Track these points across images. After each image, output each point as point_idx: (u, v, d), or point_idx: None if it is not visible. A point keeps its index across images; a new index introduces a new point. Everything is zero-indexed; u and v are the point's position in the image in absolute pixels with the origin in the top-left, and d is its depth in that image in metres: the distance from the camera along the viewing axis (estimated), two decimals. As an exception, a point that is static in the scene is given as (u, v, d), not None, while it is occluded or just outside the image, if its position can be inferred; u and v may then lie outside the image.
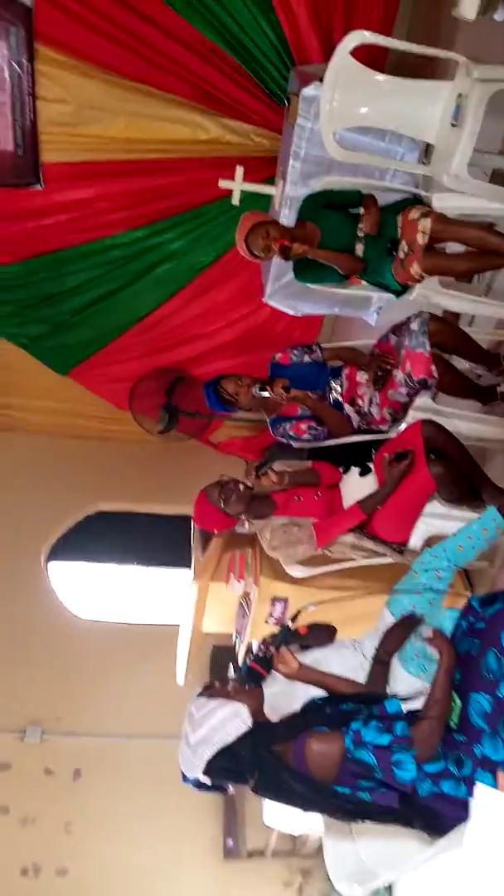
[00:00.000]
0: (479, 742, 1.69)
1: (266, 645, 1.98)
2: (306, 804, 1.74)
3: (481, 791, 1.52)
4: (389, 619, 2.44)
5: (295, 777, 1.67)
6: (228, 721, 1.73)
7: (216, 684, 2.21)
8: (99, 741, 4.39)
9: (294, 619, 2.27)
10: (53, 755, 4.32)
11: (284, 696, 2.24)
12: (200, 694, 1.86)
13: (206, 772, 1.73)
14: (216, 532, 3.33)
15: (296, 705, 2.11)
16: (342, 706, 1.85)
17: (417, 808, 1.67)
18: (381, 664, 2.25)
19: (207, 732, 1.72)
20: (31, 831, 4.08)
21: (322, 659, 2.36)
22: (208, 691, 2.15)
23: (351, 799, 1.65)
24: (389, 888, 1.86)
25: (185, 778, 1.80)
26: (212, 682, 2.25)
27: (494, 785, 1.60)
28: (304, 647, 2.47)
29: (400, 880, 1.75)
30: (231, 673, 3.42)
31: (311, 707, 1.88)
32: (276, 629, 2.36)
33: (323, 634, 2.47)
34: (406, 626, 2.22)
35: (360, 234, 2.86)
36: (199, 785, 1.79)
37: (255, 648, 2.56)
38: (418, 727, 1.68)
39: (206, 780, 1.76)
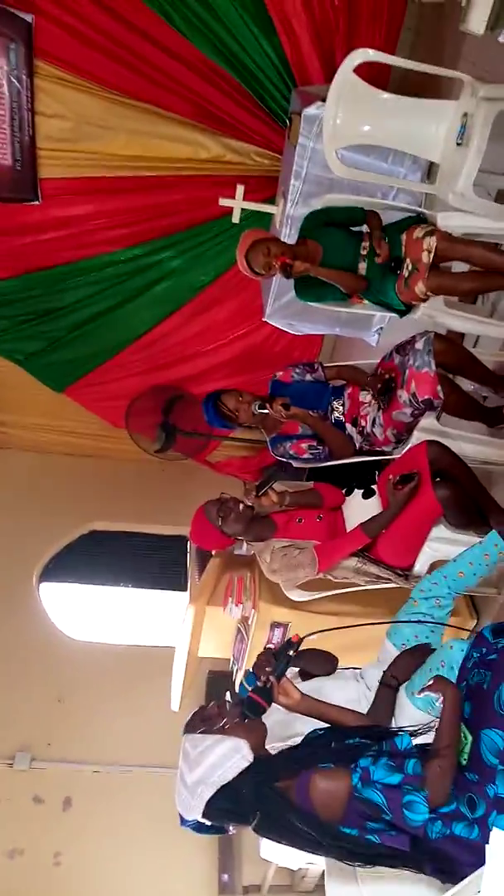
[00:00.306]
0: (493, 781, 1.60)
1: (266, 675, 1.86)
2: (310, 846, 1.64)
3: (497, 836, 1.43)
4: (391, 650, 2.37)
5: (299, 816, 1.58)
6: (228, 758, 1.63)
7: (213, 708, 2.13)
8: (90, 769, 4.26)
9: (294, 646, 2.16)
10: (43, 783, 4.18)
11: (280, 727, 2.16)
12: (195, 730, 1.76)
13: (206, 813, 1.63)
14: (213, 551, 3.25)
15: (293, 735, 2.03)
16: (348, 740, 1.77)
17: (428, 852, 1.58)
18: (388, 688, 2.18)
19: (206, 771, 1.62)
20: (19, 863, 3.94)
21: (322, 689, 2.28)
22: (204, 723, 2.08)
23: (358, 841, 1.57)
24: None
25: (183, 821, 1.70)
26: (206, 708, 2.17)
27: (506, 827, 1.52)
28: (304, 676, 2.39)
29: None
30: (228, 698, 3.31)
31: (314, 739, 1.80)
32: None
33: (324, 662, 2.39)
34: (418, 654, 2.14)
35: (363, 252, 2.83)
36: (199, 827, 1.69)
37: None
38: (431, 766, 1.59)
39: (206, 822, 1.66)
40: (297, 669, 2.37)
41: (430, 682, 1.73)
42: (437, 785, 1.58)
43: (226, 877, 3.97)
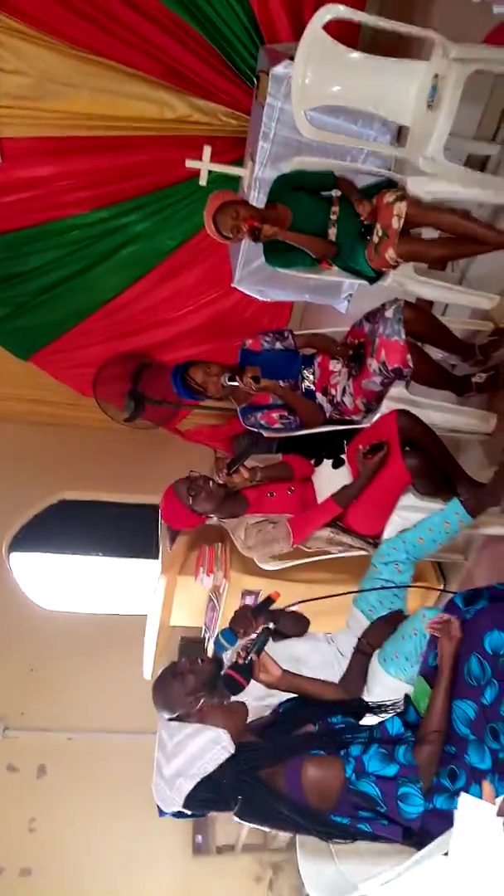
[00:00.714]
0: (465, 751, 1.62)
1: (245, 650, 1.81)
2: (296, 830, 1.62)
3: (465, 801, 1.46)
4: (359, 616, 2.40)
5: (287, 805, 1.53)
6: (207, 749, 1.56)
7: (184, 664, 2.13)
8: (64, 736, 4.29)
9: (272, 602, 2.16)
10: (17, 751, 4.20)
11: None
12: (171, 718, 1.71)
13: (186, 804, 1.58)
14: (182, 529, 3.23)
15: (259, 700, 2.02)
16: (331, 719, 1.74)
17: (416, 834, 1.57)
18: (362, 654, 2.20)
19: (184, 763, 1.56)
20: (-7, 831, 3.99)
21: (296, 650, 2.31)
22: (175, 678, 2.06)
23: (349, 829, 1.54)
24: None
25: (161, 812, 1.65)
26: (178, 664, 2.18)
27: (479, 795, 1.54)
28: (277, 637, 2.42)
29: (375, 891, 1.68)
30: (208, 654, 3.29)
31: (291, 714, 1.78)
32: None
33: (295, 622, 2.42)
34: (391, 621, 2.15)
35: (333, 217, 2.78)
36: (178, 815, 1.65)
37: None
38: (421, 752, 1.56)
39: (186, 811, 1.62)
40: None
41: (438, 622, 1.69)
42: (427, 772, 1.57)
43: (199, 838, 4.06)
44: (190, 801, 1.58)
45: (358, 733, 1.63)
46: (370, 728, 1.66)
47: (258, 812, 1.60)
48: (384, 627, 2.22)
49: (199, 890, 3.98)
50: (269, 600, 2.10)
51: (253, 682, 1.84)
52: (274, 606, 2.13)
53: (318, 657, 2.32)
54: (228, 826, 3.96)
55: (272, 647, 2.31)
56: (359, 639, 2.26)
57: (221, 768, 1.56)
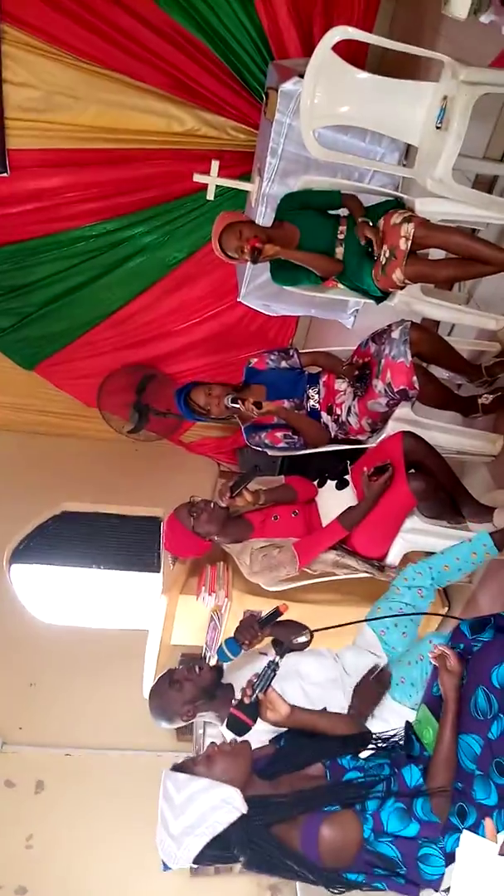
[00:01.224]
0: (471, 787, 1.58)
1: (251, 687, 1.70)
2: (305, 881, 1.55)
3: (467, 838, 1.43)
4: (370, 635, 2.38)
5: (300, 862, 1.47)
6: (218, 808, 1.48)
7: (182, 671, 2.12)
8: (62, 752, 4.24)
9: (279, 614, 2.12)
10: (14, 766, 4.16)
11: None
12: (177, 768, 1.61)
13: (194, 862, 1.52)
14: (188, 558, 3.19)
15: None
16: (341, 761, 1.66)
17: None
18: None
19: (193, 822, 1.48)
20: (-10, 847, 3.95)
21: (300, 667, 2.28)
22: (172, 687, 2.06)
23: (363, 886, 1.49)
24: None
25: (165, 867, 1.55)
26: (175, 671, 2.15)
27: (482, 831, 1.51)
28: (281, 653, 2.38)
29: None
30: (207, 660, 3.25)
31: (295, 752, 1.70)
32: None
33: (300, 635, 2.38)
34: (380, 682, 2.11)
35: (341, 236, 2.77)
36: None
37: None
38: (438, 804, 1.51)
39: (193, 865, 1.56)
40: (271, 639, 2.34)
41: (438, 653, 1.65)
42: (442, 816, 1.52)
43: (198, 858, 4.01)
44: (198, 858, 1.51)
45: (375, 787, 1.56)
46: (387, 780, 1.59)
47: (267, 866, 1.53)
48: (372, 690, 2.18)
49: (197, 911, 3.94)
50: (277, 612, 2.03)
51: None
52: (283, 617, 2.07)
53: (323, 674, 2.29)
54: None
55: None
56: (350, 707, 2.20)
57: (232, 826, 1.49)
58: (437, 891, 1.47)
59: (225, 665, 2.31)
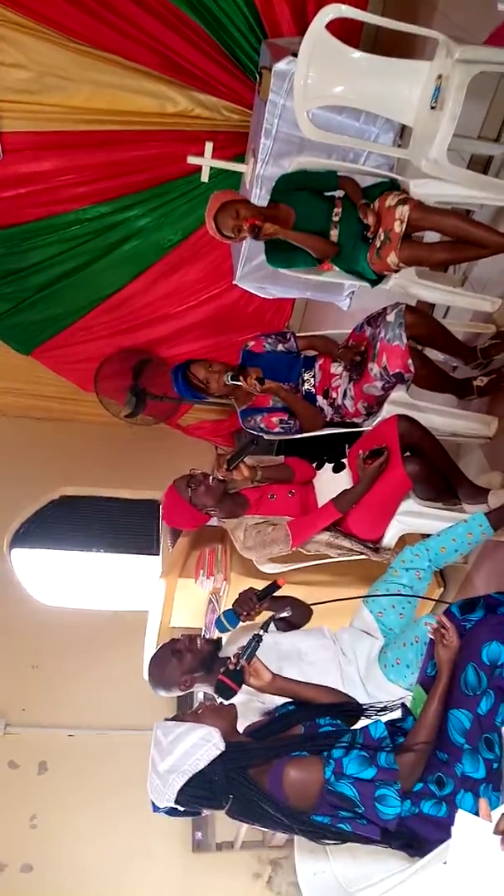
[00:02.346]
0: (459, 760, 1.64)
1: (236, 657, 1.84)
2: (282, 829, 1.68)
3: (461, 817, 1.47)
4: (367, 617, 2.41)
5: (270, 803, 1.59)
6: (199, 746, 1.63)
7: (183, 641, 2.18)
8: (64, 733, 4.31)
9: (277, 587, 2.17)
10: (18, 748, 4.22)
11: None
12: (169, 719, 1.76)
13: (178, 800, 1.64)
14: (186, 530, 3.23)
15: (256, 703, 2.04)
16: (319, 720, 1.77)
17: (398, 834, 1.62)
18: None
19: (177, 760, 1.62)
20: (-6, 827, 4.02)
21: (299, 646, 2.31)
22: (174, 655, 2.15)
23: (329, 828, 1.59)
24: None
25: (155, 808, 1.71)
26: (177, 640, 2.20)
27: (475, 807, 1.55)
28: (281, 626, 2.43)
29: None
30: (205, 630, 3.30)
31: (285, 718, 1.81)
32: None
33: (300, 611, 2.42)
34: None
35: (336, 218, 2.75)
36: (172, 812, 1.70)
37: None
38: (404, 759, 1.61)
39: (179, 808, 1.67)
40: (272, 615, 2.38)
41: (437, 625, 1.71)
42: (409, 777, 1.61)
43: (199, 834, 4.08)
44: (181, 796, 1.63)
45: (341, 737, 1.68)
46: (353, 732, 1.70)
47: (247, 810, 1.65)
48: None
49: (199, 886, 4.00)
50: (275, 585, 2.12)
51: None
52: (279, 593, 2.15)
53: (322, 654, 2.32)
54: (228, 823, 3.98)
55: (278, 639, 2.31)
56: None
57: (212, 765, 1.62)
58: (391, 830, 1.58)
59: (224, 640, 2.34)
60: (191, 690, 2.27)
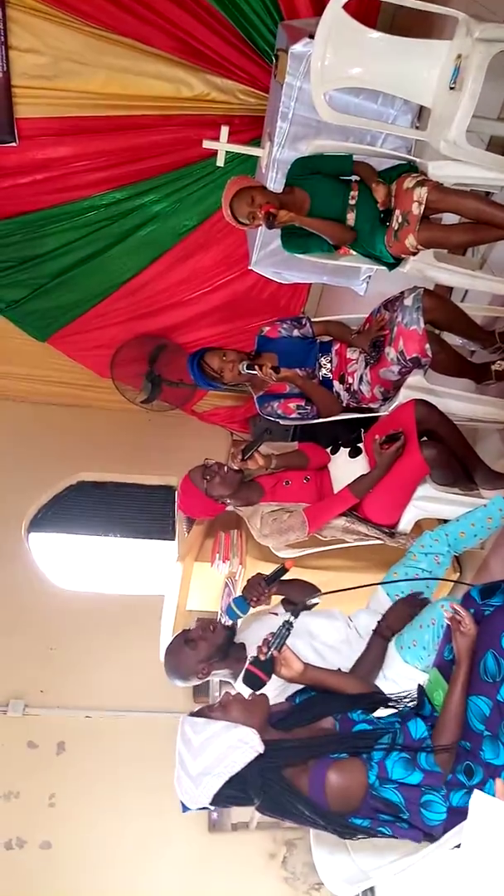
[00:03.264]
0: (480, 747, 1.63)
1: (266, 645, 1.77)
2: (315, 827, 1.63)
3: (477, 798, 1.47)
4: (384, 599, 2.41)
5: (309, 806, 1.54)
6: (235, 748, 1.55)
7: (196, 630, 2.17)
8: (82, 714, 4.36)
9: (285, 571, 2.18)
10: (36, 729, 4.28)
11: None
12: (194, 714, 1.68)
13: (212, 802, 1.58)
14: (201, 519, 3.25)
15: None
16: (352, 715, 1.72)
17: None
18: (381, 638, 2.21)
19: (211, 762, 1.54)
20: (15, 805, 4.06)
21: (313, 625, 2.32)
22: (188, 645, 2.13)
23: (368, 830, 1.55)
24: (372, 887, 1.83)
25: (185, 808, 1.63)
26: (190, 630, 2.21)
27: (492, 791, 1.55)
28: (295, 612, 2.43)
29: (384, 881, 1.71)
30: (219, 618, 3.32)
31: (310, 708, 1.77)
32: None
33: (310, 594, 2.42)
34: (412, 604, 2.15)
35: (352, 202, 2.74)
36: (199, 808, 1.65)
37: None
38: (441, 758, 1.56)
39: (210, 807, 1.63)
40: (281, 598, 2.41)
41: (452, 613, 1.69)
42: (445, 770, 1.58)
43: (215, 815, 4.13)
44: (216, 798, 1.58)
45: (381, 738, 1.62)
46: (394, 732, 1.65)
47: (279, 809, 1.60)
48: (406, 609, 2.23)
49: (214, 866, 4.05)
50: (283, 569, 2.10)
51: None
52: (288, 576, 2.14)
53: (335, 635, 2.33)
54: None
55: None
56: (378, 622, 2.26)
57: (248, 766, 1.55)
58: (437, 837, 1.52)
59: (239, 624, 2.36)
60: (208, 679, 2.29)
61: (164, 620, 3.34)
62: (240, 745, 1.55)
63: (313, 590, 2.45)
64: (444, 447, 2.53)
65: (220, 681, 2.52)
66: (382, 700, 1.83)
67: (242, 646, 2.22)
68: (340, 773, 1.54)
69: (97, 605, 4.79)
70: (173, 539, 5.08)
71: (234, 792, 1.56)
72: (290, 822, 1.65)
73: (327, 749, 1.60)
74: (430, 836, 1.54)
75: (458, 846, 1.51)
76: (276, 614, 2.31)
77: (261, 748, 1.56)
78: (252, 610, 2.27)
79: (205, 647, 2.17)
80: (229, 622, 2.32)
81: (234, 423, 5.64)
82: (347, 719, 1.72)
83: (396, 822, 1.52)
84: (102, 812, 4.06)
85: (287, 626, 1.79)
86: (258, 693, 1.74)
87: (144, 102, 3.97)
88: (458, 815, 1.55)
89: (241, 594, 2.25)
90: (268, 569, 3.05)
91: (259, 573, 2.28)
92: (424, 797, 1.51)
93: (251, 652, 1.80)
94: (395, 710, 1.82)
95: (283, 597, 2.38)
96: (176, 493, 3.04)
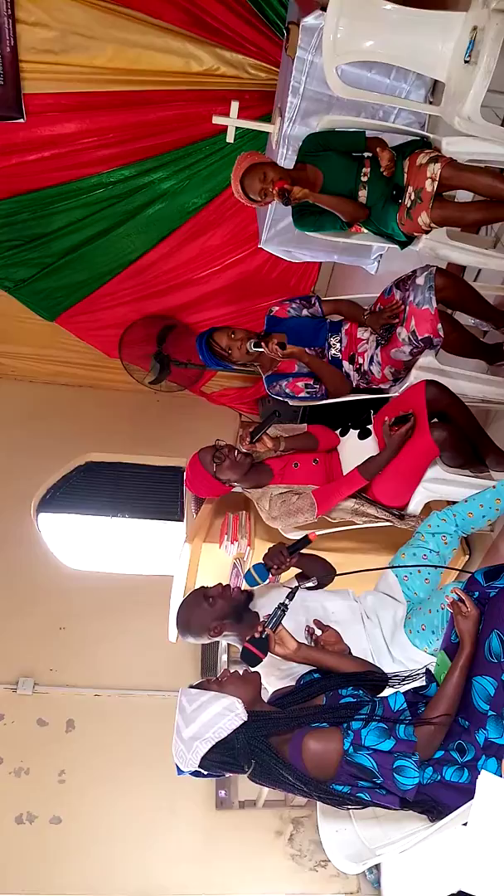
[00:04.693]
0: (484, 726, 1.64)
1: (262, 625, 1.87)
2: (303, 795, 1.72)
3: (485, 777, 1.48)
4: (392, 580, 2.41)
5: (291, 772, 1.63)
6: (222, 716, 1.67)
7: (217, 587, 2.22)
8: (91, 692, 4.41)
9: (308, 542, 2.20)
10: (46, 706, 4.34)
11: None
12: (192, 686, 1.79)
13: (202, 765, 1.69)
14: (208, 498, 3.24)
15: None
16: (342, 691, 1.79)
17: (418, 797, 1.63)
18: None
19: (200, 728, 1.66)
20: (25, 781, 4.13)
21: (328, 604, 2.33)
22: (206, 600, 2.19)
23: (349, 797, 1.63)
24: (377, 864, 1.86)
25: (179, 771, 1.75)
26: (209, 588, 2.25)
27: (499, 771, 1.56)
28: (290, 595, 2.44)
29: (389, 858, 1.74)
30: (232, 579, 3.33)
31: (308, 686, 1.83)
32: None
33: (325, 571, 2.44)
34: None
35: (364, 178, 2.69)
36: (196, 774, 1.75)
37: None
38: (423, 731, 1.62)
39: (203, 771, 1.72)
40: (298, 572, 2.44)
41: (455, 598, 1.72)
42: (427, 748, 1.63)
43: (223, 793, 4.18)
44: (205, 762, 1.68)
45: (360, 709, 1.70)
46: (373, 703, 1.72)
47: (268, 776, 1.69)
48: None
49: (222, 843, 4.11)
50: (306, 540, 2.14)
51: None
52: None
53: (348, 614, 2.35)
54: (250, 782, 4.06)
55: (305, 596, 2.33)
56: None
57: (235, 733, 1.66)
58: (410, 800, 1.60)
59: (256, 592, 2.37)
60: (217, 640, 2.29)
61: (173, 601, 3.35)
62: (226, 713, 1.67)
63: (331, 569, 2.46)
64: (454, 429, 2.51)
65: (229, 657, 2.54)
66: (379, 678, 1.88)
67: (256, 615, 2.23)
68: (317, 740, 1.64)
69: (106, 586, 4.83)
70: (181, 520, 5.09)
71: (222, 757, 1.67)
72: (280, 789, 1.76)
73: (309, 719, 1.70)
74: (406, 801, 1.61)
75: (465, 824, 1.53)
76: (290, 587, 2.32)
77: (245, 716, 1.68)
78: (267, 583, 2.28)
79: (222, 605, 2.20)
80: (248, 588, 2.33)
81: (242, 404, 5.62)
82: (336, 695, 1.80)
83: (374, 788, 1.59)
84: (111, 788, 4.12)
85: (282, 607, 1.88)
86: (252, 671, 1.86)
87: (153, 77, 3.91)
88: (451, 789, 1.62)
89: (261, 561, 2.26)
90: (275, 549, 3.07)
91: (281, 542, 2.29)
92: (397, 762, 1.58)
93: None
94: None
95: (297, 583, 2.38)
96: (184, 472, 3.03)
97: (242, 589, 2.30)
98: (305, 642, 1.98)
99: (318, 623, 2.03)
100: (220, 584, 2.28)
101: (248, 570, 2.28)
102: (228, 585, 2.27)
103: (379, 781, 1.58)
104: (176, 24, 3.74)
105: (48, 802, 4.08)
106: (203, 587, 2.31)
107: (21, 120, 3.92)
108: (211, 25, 3.74)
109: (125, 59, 3.81)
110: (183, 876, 4.08)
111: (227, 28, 3.73)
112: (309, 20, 3.12)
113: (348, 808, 1.71)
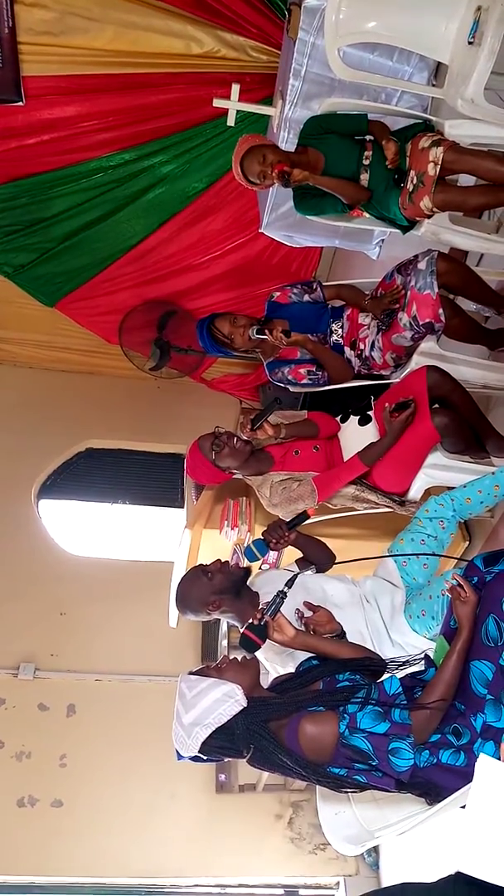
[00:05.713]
0: (482, 710, 1.65)
1: (261, 612, 1.89)
2: (301, 778, 1.73)
3: (483, 761, 1.48)
4: (390, 564, 2.43)
5: (288, 756, 1.65)
6: (221, 702, 1.68)
7: (215, 563, 2.22)
8: (92, 677, 4.43)
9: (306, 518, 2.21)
10: (47, 691, 4.35)
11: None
12: (192, 673, 1.80)
13: (202, 750, 1.70)
14: (207, 485, 3.24)
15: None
16: (339, 676, 1.81)
17: (415, 784, 1.65)
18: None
19: (200, 714, 1.68)
20: (27, 765, 4.16)
21: (328, 587, 2.34)
22: (206, 574, 2.20)
23: (346, 780, 1.64)
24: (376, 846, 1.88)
25: (179, 756, 1.77)
26: (208, 565, 2.24)
27: (497, 754, 1.57)
28: (289, 583, 2.44)
29: (388, 840, 1.75)
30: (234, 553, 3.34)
31: (307, 672, 1.84)
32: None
33: (325, 555, 2.45)
34: None
35: (366, 161, 2.67)
36: (196, 759, 1.77)
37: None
38: (419, 714, 1.64)
39: (202, 756, 1.74)
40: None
41: (454, 584, 1.73)
42: (423, 731, 1.64)
43: (223, 777, 4.21)
44: (205, 747, 1.70)
45: (356, 693, 1.72)
46: (369, 688, 1.74)
47: (266, 761, 1.71)
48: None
49: (222, 826, 4.15)
50: (304, 515, 2.16)
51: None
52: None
53: (348, 597, 2.36)
54: (250, 767, 4.09)
55: (305, 580, 2.34)
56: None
57: (234, 719, 1.68)
58: (405, 781, 1.62)
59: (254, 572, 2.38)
60: (216, 617, 2.30)
61: (174, 586, 3.35)
62: (226, 700, 1.69)
63: (331, 554, 2.47)
64: (455, 415, 2.50)
65: (229, 643, 2.55)
66: (377, 664, 1.89)
67: (256, 594, 2.24)
68: (313, 723, 1.66)
69: (107, 571, 4.84)
70: (182, 506, 5.09)
71: (222, 742, 1.69)
72: (279, 773, 1.78)
73: (306, 704, 1.72)
74: (402, 783, 1.62)
75: (464, 807, 1.54)
76: (291, 570, 2.33)
77: (244, 702, 1.70)
78: (266, 567, 2.28)
79: (220, 579, 2.21)
80: (246, 564, 2.34)
81: (243, 391, 5.60)
82: (333, 679, 1.82)
83: (370, 770, 1.61)
84: (112, 772, 4.14)
85: (281, 595, 1.90)
86: (250, 657, 1.89)
87: (153, 60, 3.87)
88: (448, 772, 1.64)
89: (261, 536, 2.26)
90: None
91: (280, 518, 2.29)
92: (392, 744, 1.60)
93: (266, 599, 1.90)
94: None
95: (300, 558, 2.39)
96: (185, 459, 3.03)
97: (241, 566, 2.31)
98: (297, 625, 1.99)
99: (308, 604, 2.05)
100: (218, 559, 2.29)
101: (248, 545, 2.29)
102: (227, 561, 2.27)
103: (374, 763, 1.60)
104: (176, 5, 3.70)
105: (49, 786, 4.11)
106: (202, 564, 2.32)
107: (20, 103, 3.89)
108: (212, 7, 3.70)
109: (125, 41, 3.77)
110: (183, 859, 4.11)
111: (229, 10, 3.69)
112: (311, 1, 3.09)
113: (346, 791, 1.73)
